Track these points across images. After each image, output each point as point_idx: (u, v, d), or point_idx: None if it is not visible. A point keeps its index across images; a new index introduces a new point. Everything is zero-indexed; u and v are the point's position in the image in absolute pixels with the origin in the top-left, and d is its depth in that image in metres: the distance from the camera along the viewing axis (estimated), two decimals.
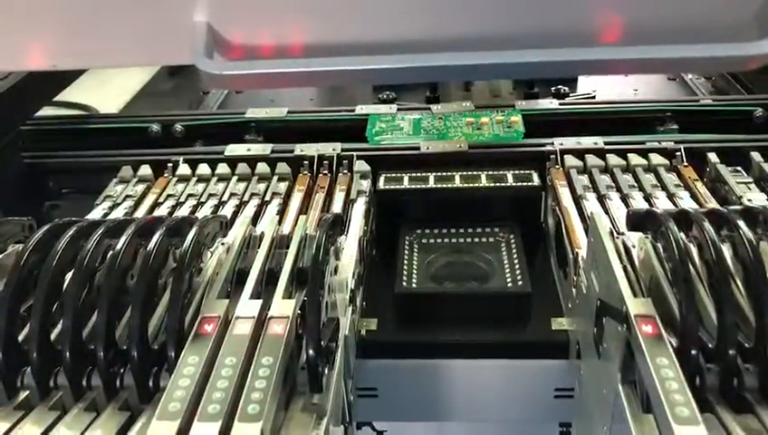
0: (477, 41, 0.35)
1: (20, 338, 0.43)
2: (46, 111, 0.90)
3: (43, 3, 0.33)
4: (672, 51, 0.32)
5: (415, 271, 0.64)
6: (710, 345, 0.40)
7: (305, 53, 0.34)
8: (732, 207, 0.47)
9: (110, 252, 0.45)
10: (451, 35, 0.36)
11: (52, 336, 0.43)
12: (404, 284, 0.62)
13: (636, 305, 0.41)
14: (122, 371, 0.42)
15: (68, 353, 0.41)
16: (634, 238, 0.51)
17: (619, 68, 0.37)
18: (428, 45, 0.35)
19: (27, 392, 0.41)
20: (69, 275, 0.44)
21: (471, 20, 0.35)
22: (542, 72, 0.34)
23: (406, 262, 0.65)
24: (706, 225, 0.44)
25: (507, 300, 0.61)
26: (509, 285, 0.61)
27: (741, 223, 0.44)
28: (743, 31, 0.32)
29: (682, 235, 0.45)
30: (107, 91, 1.07)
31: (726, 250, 0.44)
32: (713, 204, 0.62)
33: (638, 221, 0.48)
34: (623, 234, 0.53)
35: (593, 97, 0.99)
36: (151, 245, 0.45)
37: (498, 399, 0.62)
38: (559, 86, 1.00)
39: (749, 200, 0.62)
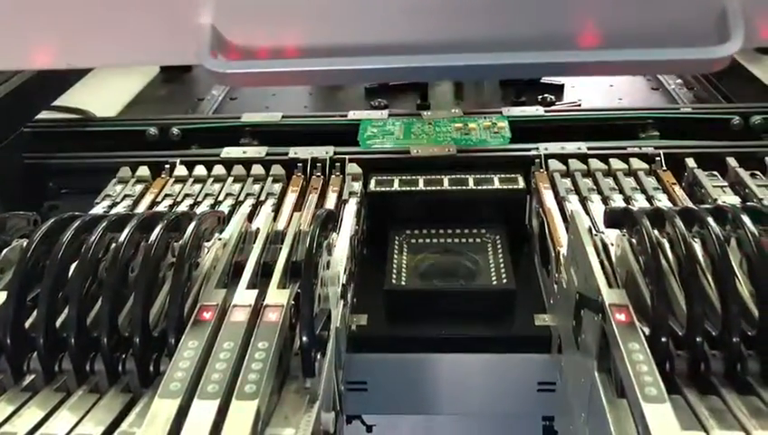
0: (464, 44, 0.38)
1: (27, 325, 0.45)
2: (44, 116, 0.92)
3: (58, 4, 0.35)
4: (642, 54, 0.35)
5: (404, 269, 0.66)
6: (680, 333, 0.43)
7: (301, 54, 0.36)
8: (703, 206, 0.50)
9: (113, 244, 0.47)
10: (439, 38, 0.38)
11: (57, 324, 0.45)
12: (393, 281, 0.64)
13: (610, 295, 0.43)
14: (124, 356, 0.44)
15: (73, 340, 0.43)
16: (612, 237, 0.53)
17: (594, 69, 0.40)
18: (418, 48, 0.38)
19: (33, 376, 0.44)
20: (73, 266, 0.46)
21: (459, 25, 0.38)
22: (522, 73, 0.36)
23: (395, 260, 0.67)
24: (678, 221, 0.46)
25: (492, 297, 0.64)
26: (494, 282, 0.64)
27: (710, 220, 0.46)
28: (705, 37, 0.35)
29: (656, 231, 0.47)
30: (104, 97, 1.09)
31: (698, 246, 0.47)
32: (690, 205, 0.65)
33: (615, 219, 0.51)
34: (602, 232, 0.56)
35: (579, 105, 1.02)
36: (152, 238, 0.47)
37: (484, 392, 0.64)
38: (545, 94, 1.03)
39: (723, 202, 0.64)
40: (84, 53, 0.38)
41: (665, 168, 0.72)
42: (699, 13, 0.35)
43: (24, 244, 0.49)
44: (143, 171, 0.75)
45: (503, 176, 0.74)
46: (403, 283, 0.65)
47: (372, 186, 0.74)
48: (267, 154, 0.78)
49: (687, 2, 0.35)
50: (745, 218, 0.46)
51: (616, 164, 0.73)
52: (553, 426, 0.70)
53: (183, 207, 0.69)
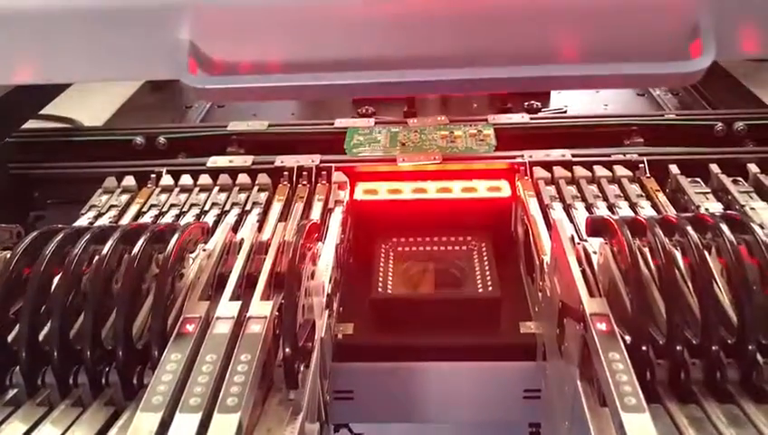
0: (445, 59, 0.38)
1: (9, 339, 0.45)
2: (30, 125, 0.92)
3: (38, 19, 0.36)
4: (617, 68, 0.36)
5: (390, 277, 0.67)
6: (660, 342, 0.43)
7: (281, 70, 0.37)
8: (683, 214, 0.50)
9: (97, 257, 0.47)
10: (421, 53, 0.39)
11: (40, 337, 0.45)
12: (380, 289, 0.65)
13: (591, 305, 0.44)
14: (107, 370, 0.44)
15: (55, 353, 0.43)
16: (596, 245, 0.54)
17: (570, 84, 0.40)
18: (400, 62, 0.38)
19: (16, 390, 0.43)
20: (56, 279, 0.46)
21: (439, 41, 0.38)
22: (501, 87, 0.37)
23: (382, 269, 0.67)
24: (658, 230, 0.47)
25: (478, 305, 0.64)
26: (480, 290, 0.64)
27: (690, 229, 0.47)
28: (678, 51, 0.35)
29: (636, 240, 0.48)
30: (91, 106, 1.09)
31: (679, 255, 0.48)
32: (672, 213, 0.65)
33: (597, 227, 0.51)
34: (585, 240, 0.56)
35: (564, 112, 1.02)
36: (135, 250, 0.47)
37: (471, 400, 0.64)
38: (531, 101, 1.04)
39: (706, 209, 0.65)
40: (64, 68, 0.38)
41: (648, 174, 0.73)
42: (673, 28, 0.35)
43: (7, 256, 0.49)
44: (129, 181, 0.75)
45: (488, 184, 0.74)
46: (389, 291, 0.65)
47: (358, 194, 0.74)
48: (253, 163, 0.78)
49: (661, 17, 0.35)
50: (724, 227, 0.46)
51: (600, 171, 0.73)
52: (540, 433, 0.70)
53: (169, 218, 0.69)
